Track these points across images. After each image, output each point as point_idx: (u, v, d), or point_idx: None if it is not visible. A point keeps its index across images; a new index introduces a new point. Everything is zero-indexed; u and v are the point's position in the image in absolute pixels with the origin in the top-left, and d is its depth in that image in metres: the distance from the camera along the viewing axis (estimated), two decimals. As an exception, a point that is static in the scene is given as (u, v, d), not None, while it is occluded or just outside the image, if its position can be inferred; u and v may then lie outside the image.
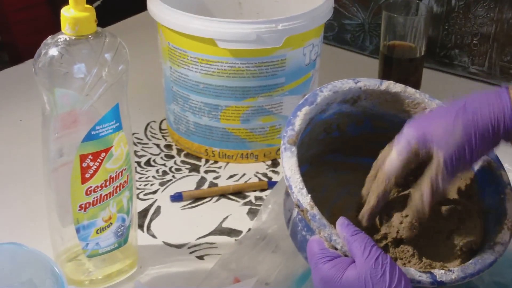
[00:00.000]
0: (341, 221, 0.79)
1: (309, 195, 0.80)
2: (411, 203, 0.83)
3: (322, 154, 0.98)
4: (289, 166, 0.82)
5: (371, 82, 0.93)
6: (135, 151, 1.24)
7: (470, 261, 0.81)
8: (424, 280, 0.78)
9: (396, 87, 0.93)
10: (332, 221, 0.79)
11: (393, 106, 0.94)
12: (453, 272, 0.79)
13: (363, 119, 0.96)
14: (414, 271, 0.78)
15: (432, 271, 0.79)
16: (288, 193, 0.89)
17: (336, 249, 0.77)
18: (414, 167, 0.83)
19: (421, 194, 0.81)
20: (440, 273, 0.79)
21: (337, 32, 1.60)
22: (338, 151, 0.99)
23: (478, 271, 0.80)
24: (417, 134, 0.81)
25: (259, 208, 1.05)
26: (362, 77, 0.93)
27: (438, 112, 0.83)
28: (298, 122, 0.86)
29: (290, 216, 0.86)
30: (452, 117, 0.80)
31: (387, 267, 0.73)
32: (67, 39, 0.82)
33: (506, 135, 0.79)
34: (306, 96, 0.89)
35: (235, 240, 1.03)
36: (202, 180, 1.18)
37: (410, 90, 0.94)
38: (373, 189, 0.84)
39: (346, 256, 0.76)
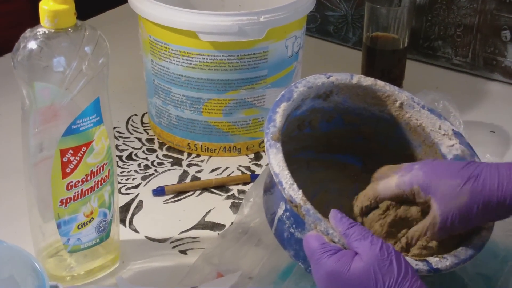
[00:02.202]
0: (334, 214, 0.78)
1: (300, 190, 0.80)
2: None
3: (294, 151, 0.98)
4: (277, 163, 0.82)
5: (342, 76, 0.94)
6: (117, 145, 1.23)
7: (461, 248, 0.83)
8: (421, 268, 0.79)
9: (366, 80, 0.95)
10: None
11: (364, 99, 0.95)
12: (447, 259, 0.81)
13: (335, 115, 0.97)
14: (410, 260, 0.79)
15: (427, 259, 0.81)
16: (267, 193, 0.89)
17: (334, 242, 0.77)
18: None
19: (406, 241, 0.84)
20: (435, 261, 0.80)
21: (320, 24, 1.59)
22: (310, 148, 1.00)
23: (470, 256, 0.82)
24: (423, 182, 0.83)
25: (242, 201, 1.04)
26: (334, 72, 0.94)
27: (453, 168, 0.83)
28: (279, 118, 0.86)
29: (274, 215, 0.86)
30: (463, 180, 0.81)
31: (393, 256, 0.73)
32: (46, 32, 0.81)
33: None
34: (283, 92, 0.90)
35: (218, 234, 1.03)
36: (185, 174, 1.17)
37: (380, 83, 0.95)
38: (358, 199, 0.87)
39: (345, 248, 0.76)
